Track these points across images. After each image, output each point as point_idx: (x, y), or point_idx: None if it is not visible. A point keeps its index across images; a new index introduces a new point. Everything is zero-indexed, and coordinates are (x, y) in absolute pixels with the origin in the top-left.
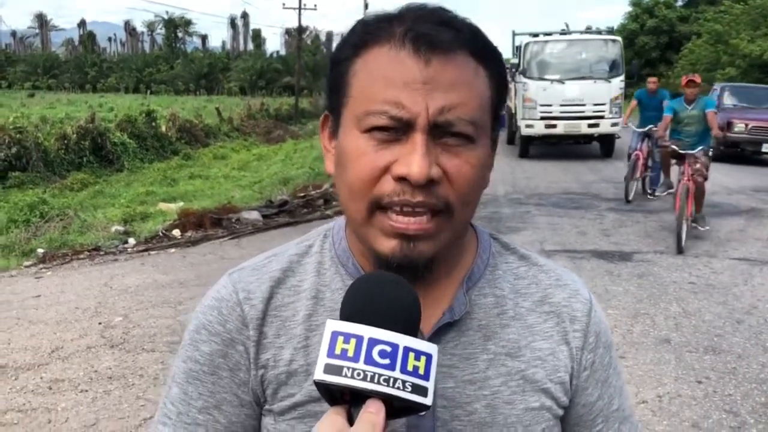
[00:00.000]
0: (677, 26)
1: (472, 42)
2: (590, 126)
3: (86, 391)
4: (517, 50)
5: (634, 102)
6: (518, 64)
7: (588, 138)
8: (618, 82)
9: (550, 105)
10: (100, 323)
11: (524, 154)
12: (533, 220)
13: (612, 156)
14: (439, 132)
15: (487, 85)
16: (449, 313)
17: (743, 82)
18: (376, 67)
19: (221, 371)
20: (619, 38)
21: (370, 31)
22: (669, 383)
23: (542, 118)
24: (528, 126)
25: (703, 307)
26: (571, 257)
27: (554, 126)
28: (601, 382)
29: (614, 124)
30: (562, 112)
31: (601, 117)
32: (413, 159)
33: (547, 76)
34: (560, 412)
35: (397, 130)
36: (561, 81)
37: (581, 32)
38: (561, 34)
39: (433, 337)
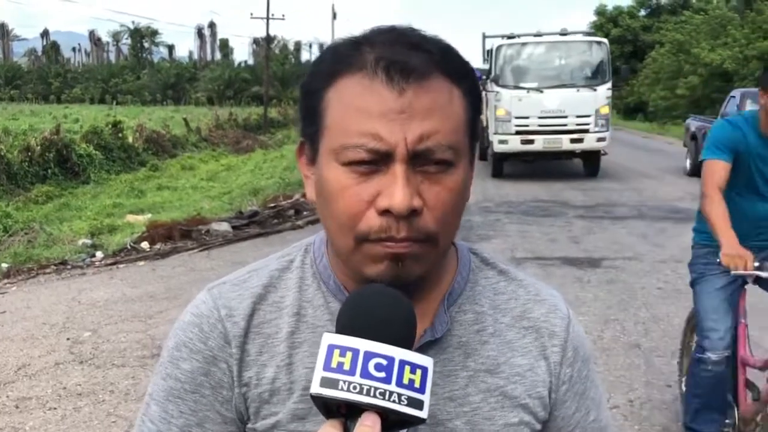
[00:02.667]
0: (641, 35)
1: (444, 63)
2: (573, 141)
3: (55, 408)
4: (488, 55)
5: (720, 166)
6: (489, 71)
7: (570, 154)
8: (605, 91)
9: (527, 117)
10: (68, 339)
11: (498, 174)
12: (503, 227)
13: (597, 176)
14: (419, 161)
15: (462, 105)
16: (430, 332)
17: (705, 90)
18: (349, 98)
19: (203, 389)
20: (605, 40)
21: (340, 60)
22: (639, 388)
23: (518, 133)
24: (501, 142)
25: (672, 312)
26: (542, 264)
27: (531, 141)
28: (579, 395)
29: (600, 139)
30: (540, 126)
31: (586, 131)
32: (395, 191)
33: (523, 84)
34: (538, 426)
35: (377, 162)
36: (539, 90)
37: (560, 34)
38: (536, 36)
39: None
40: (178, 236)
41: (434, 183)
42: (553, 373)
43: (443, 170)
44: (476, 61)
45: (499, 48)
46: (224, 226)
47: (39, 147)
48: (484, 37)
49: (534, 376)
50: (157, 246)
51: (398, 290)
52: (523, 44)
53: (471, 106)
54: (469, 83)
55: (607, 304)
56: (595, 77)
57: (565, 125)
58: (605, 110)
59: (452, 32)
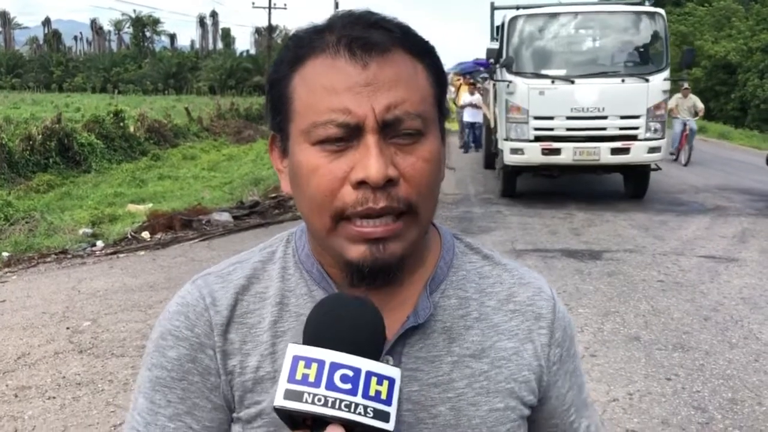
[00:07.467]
0: None
1: (404, 40)
2: (615, 152)
3: (54, 398)
4: (498, 31)
5: None
6: (499, 52)
7: (608, 169)
8: (661, 82)
9: (551, 118)
10: (68, 328)
11: (509, 193)
12: (504, 219)
13: (644, 197)
14: (390, 131)
15: (427, 80)
16: (413, 317)
17: (709, 82)
18: (314, 79)
19: (191, 376)
20: (661, 11)
21: (302, 45)
22: (639, 381)
23: (538, 139)
24: (514, 150)
25: (672, 304)
26: (542, 256)
27: (557, 151)
28: (570, 372)
29: (653, 150)
30: (569, 129)
31: (633, 137)
32: (369, 161)
33: (546, 72)
34: (526, 411)
35: (348, 137)
36: (569, 79)
37: (598, 2)
38: (563, 5)
39: (398, 341)
40: (178, 226)
41: (408, 154)
42: (542, 356)
43: (415, 140)
44: (484, 42)
45: (513, 21)
46: (225, 216)
47: (40, 136)
48: (493, 8)
49: (519, 360)
50: (158, 236)
51: (384, 273)
52: (548, 16)
53: (436, 81)
54: (431, 60)
55: (607, 296)
56: (647, 63)
57: (604, 129)
58: (661, 109)
59: (453, 21)
